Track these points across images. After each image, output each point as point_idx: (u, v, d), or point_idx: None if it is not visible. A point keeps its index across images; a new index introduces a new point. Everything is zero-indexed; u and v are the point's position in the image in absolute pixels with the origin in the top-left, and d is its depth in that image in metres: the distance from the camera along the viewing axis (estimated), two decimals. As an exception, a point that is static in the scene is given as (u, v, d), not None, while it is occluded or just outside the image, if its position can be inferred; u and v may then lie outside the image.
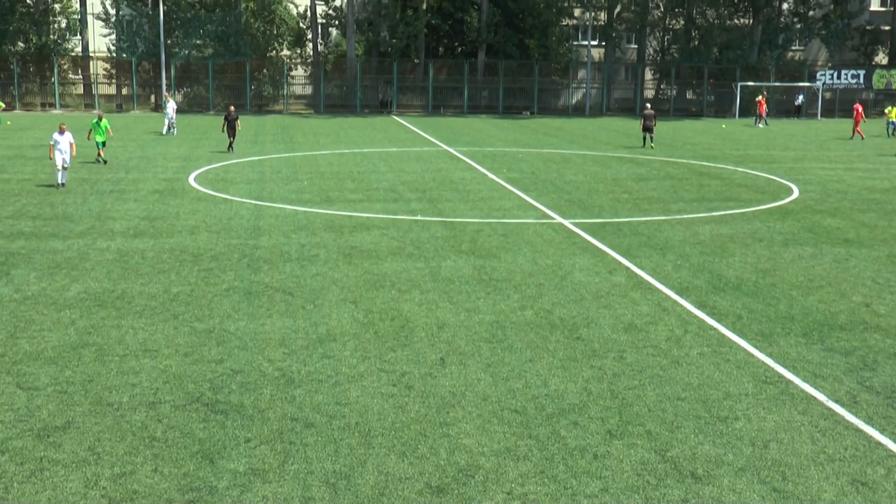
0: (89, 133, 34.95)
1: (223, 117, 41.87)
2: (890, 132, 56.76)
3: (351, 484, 9.21)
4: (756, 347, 13.73)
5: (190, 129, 53.01)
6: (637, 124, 54.18)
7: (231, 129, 40.17)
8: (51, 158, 28.76)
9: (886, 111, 60.14)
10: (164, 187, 29.00)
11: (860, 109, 54.96)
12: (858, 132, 54.30)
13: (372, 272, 17.98)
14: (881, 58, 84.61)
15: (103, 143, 34.87)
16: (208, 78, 71.98)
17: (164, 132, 49.40)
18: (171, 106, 50.20)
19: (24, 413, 10.76)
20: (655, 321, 15.03)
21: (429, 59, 76.06)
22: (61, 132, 28.53)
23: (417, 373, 12.37)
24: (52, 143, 28.40)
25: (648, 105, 49.62)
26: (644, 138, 46.65)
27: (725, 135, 56.03)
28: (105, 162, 34.75)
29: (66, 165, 28.45)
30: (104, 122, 34.88)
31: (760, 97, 65.57)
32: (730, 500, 9.07)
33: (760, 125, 63.62)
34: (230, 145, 40.40)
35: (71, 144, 28.73)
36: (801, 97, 77.02)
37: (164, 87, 68.40)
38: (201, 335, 13.83)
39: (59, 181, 28.40)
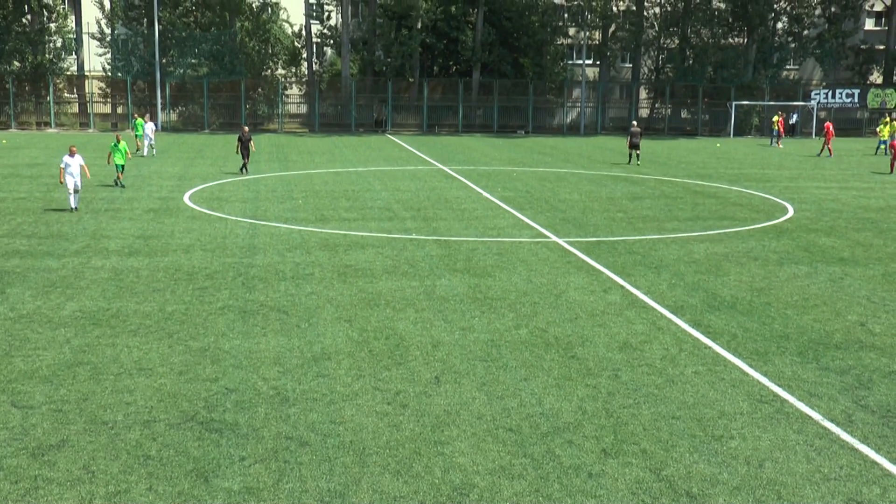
0: (109, 157, 33.79)
1: (237, 138, 40.52)
2: (879, 150, 57.28)
3: (345, 503, 9.19)
4: (751, 366, 13.74)
5: (185, 148, 53.05)
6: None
7: (245, 150, 39.02)
8: (62, 183, 27.58)
9: (878, 130, 60.52)
10: (159, 206, 29.00)
11: (830, 128, 56.49)
12: (829, 149, 55.69)
13: (367, 291, 17.98)
14: (876, 77, 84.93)
15: (122, 167, 33.79)
16: (203, 97, 72.09)
17: (146, 153, 47.45)
18: (150, 127, 47.86)
19: (18, 431, 10.73)
20: (650, 340, 15.03)
21: (423, 78, 76.24)
22: (71, 155, 27.34)
23: (412, 391, 12.36)
24: (62, 166, 27.21)
25: (635, 123, 51.55)
26: (630, 155, 48.28)
27: (720, 154, 56.18)
28: (123, 186, 33.69)
29: (77, 189, 27.31)
30: (122, 144, 33.67)
31: (778, 116, 65.93)
32: (725, 518, 9.07)
33: (779, 145, 63.81)
34: (244, 166, 39.35)
35: (82, 167, 27.64)
36: (794, 116, 77.28)
37: (159, 106, 68.50)
38: (196, 354, 13.82)
39: (72, 205, 27.42)
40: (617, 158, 50.93)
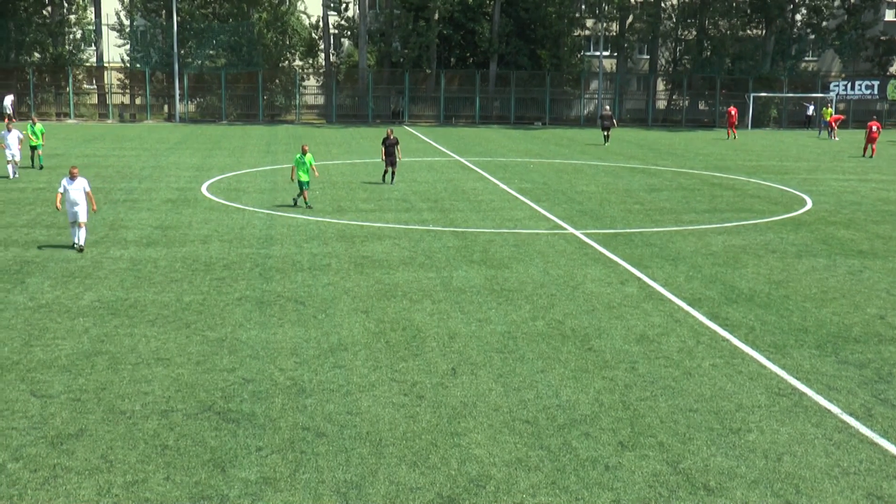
0: (292, 172, 27.17)
1: (381, 141, 34.26)
2: None
3: (362, 493, 9.20)
4: (769, 359, 13.68)
5: (202, 139, 53.16)
6: (652, 134, 54.52)
7: (389, 156, 32.92)
8: (58, 209, 21.33)
9: None
10: (177, 196, 29.07)
11: (734, 112, 62.69)
12: (733, 132, 61.32)
13: (383, 282, 17.99)
14: None
15: (307, 184, 27.10)
16: (221, 88, 72.21)
17: (12, 175, 33.20)
18: (14, 136, 34.15)
19: (37, 420, 10.79)
20: (667, 332, 14.99)
21: (440, 69, 76.12)
22: (71, 178, 20.50)
23: (429, 383, 12.36)
24: (60, 191, 20.60)
25: (607, 107, 56.18)
26: (604, 137, 53.44)
27: (738, 146, 55.93)
28: (310, 207, 27.12)
29: (80, 221, 20.48)
30: (309, 157, 26.90)
31: (830, 108, 67.19)
32: (742, 512, 9.04)
33: (834, 138, 63.66)
34: (389, 174, 33.53)
35: (87, 194, 20.72)
36: (811, 108, 76.85)
37: (177, 97, 68.59)
38: (213, 344, 13.85)
39: (75, 241, 20.69)
40: (634, 151, 50.74)
